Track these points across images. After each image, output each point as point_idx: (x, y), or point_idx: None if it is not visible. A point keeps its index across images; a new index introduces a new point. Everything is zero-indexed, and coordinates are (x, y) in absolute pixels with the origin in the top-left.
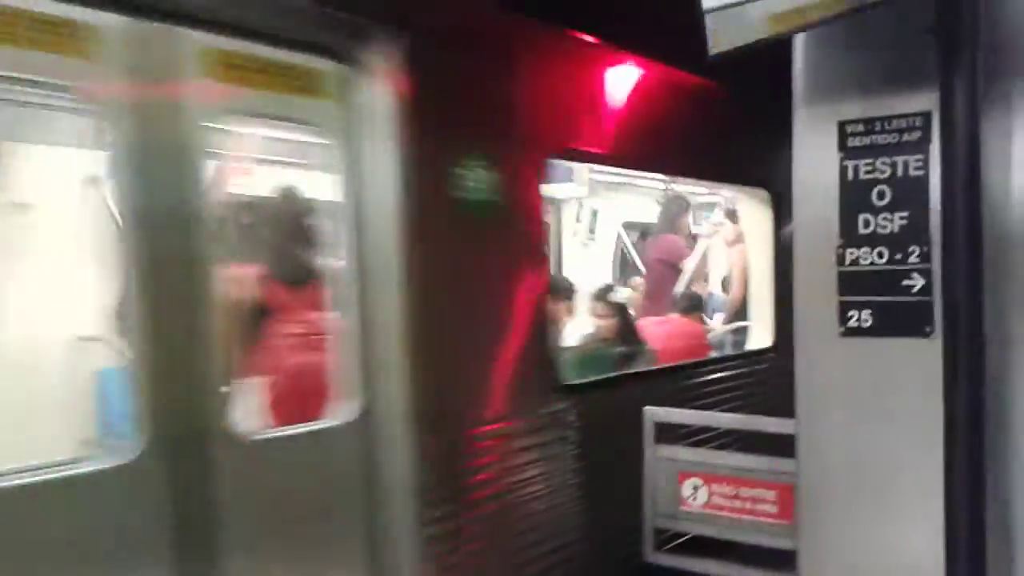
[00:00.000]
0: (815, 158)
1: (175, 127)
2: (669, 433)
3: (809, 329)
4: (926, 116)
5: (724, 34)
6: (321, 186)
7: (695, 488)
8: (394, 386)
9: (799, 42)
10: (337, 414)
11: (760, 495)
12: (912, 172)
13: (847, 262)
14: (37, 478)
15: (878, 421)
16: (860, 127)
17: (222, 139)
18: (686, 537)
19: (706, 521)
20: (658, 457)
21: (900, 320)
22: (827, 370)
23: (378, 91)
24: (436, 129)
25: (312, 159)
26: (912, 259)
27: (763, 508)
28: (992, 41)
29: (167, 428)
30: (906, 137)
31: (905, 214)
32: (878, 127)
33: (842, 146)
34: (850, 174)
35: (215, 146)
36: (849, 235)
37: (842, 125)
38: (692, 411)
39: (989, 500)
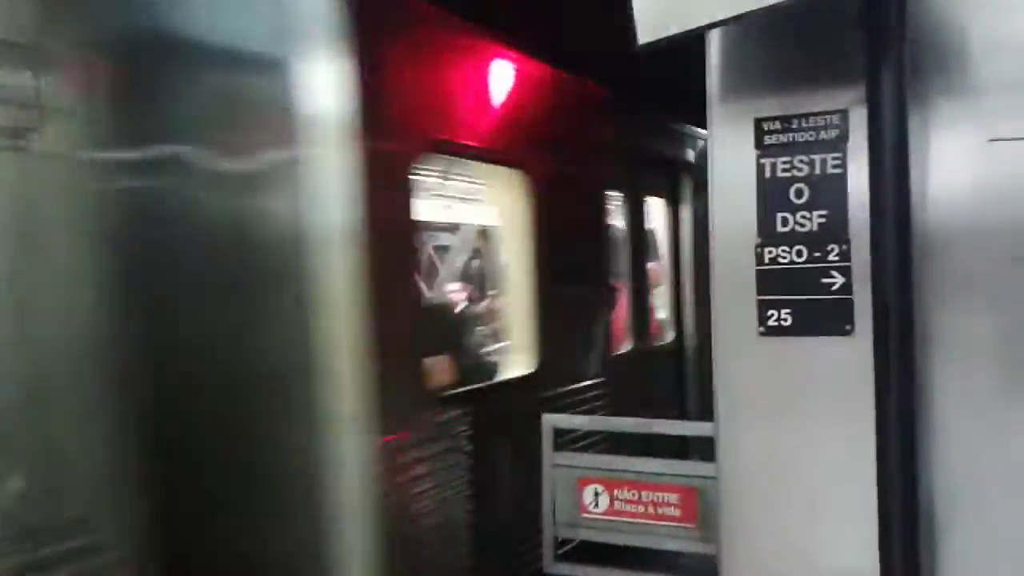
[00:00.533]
0: (731, 156)
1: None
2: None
3: (727, 329)
4: (843, 114)
5: (652, 23)
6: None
7: (596, 494)
8: (687, 326)
9: (714, 38)
10: (667, 337)
11: (663, 499)
12: (830, 170)
13: (766, 261)
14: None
15: (801, 422)
16: (777, 124)
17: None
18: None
19: (608, 528)
20: (556, 464)
21: (820, 319)
22: (747, 371)
23: (686, 180)
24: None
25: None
26: (831, 257)
27: (666, 512)
28: (912, 37)
29: (638, 342)
30: (824, 135)
31: (824, 212)
32: (795, 124)
33: (759, 144)
34: (768, 172)
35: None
36: (767, 233)
37: (759, 122)
38: (594, 416)
39: (928, 509)
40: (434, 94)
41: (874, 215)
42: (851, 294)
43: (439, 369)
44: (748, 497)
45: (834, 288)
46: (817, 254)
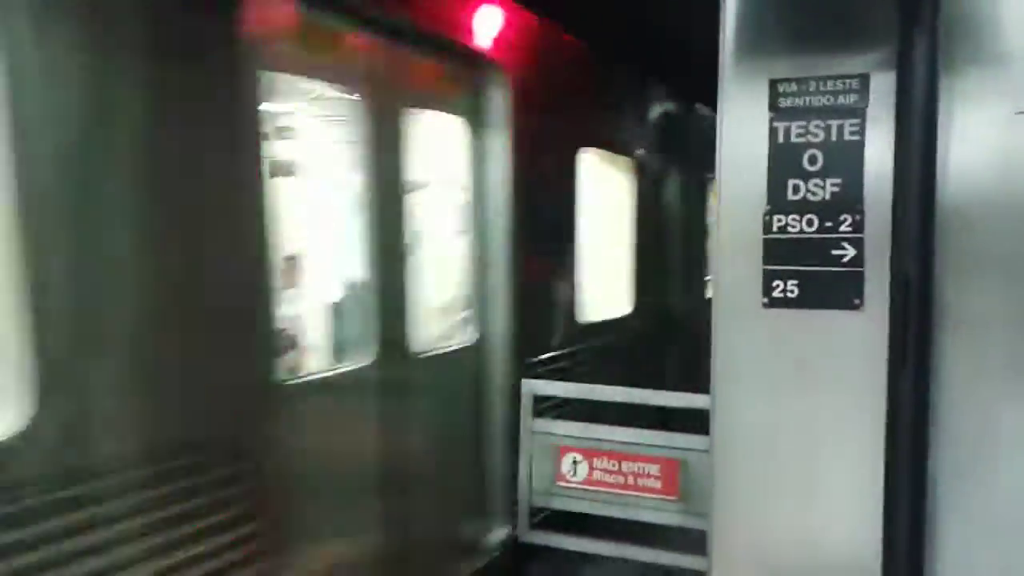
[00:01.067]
0: (742, 118)
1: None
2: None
3: (729, 299)
4: (864, 78)
5: None
6: None
7: (575, 463)
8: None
9: None
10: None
11: (644, 470)
12: (847, 136)
13: (774, 229)
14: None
15: (802, 396)
16: (793, 86)
17: None
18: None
19: (586, 498)
20: (535, 431)
21: (828, 291)
22: (748, 343)
23: None
24: None
25: None
26: (843, 228)
27: (647, 484)
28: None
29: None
30: (842, 99)
31: (838, 180)
32: (813, 87)
33: (773, 106)
34: (780, 136)
35: None
36: (777, 201)
37: (774, 83)
38: (576, 384)
39: (930, 492)
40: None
41: (898, 186)
42: (862, 266)
43: None
44: (744, 472)
45: (845, 260)
46: (829, 224)
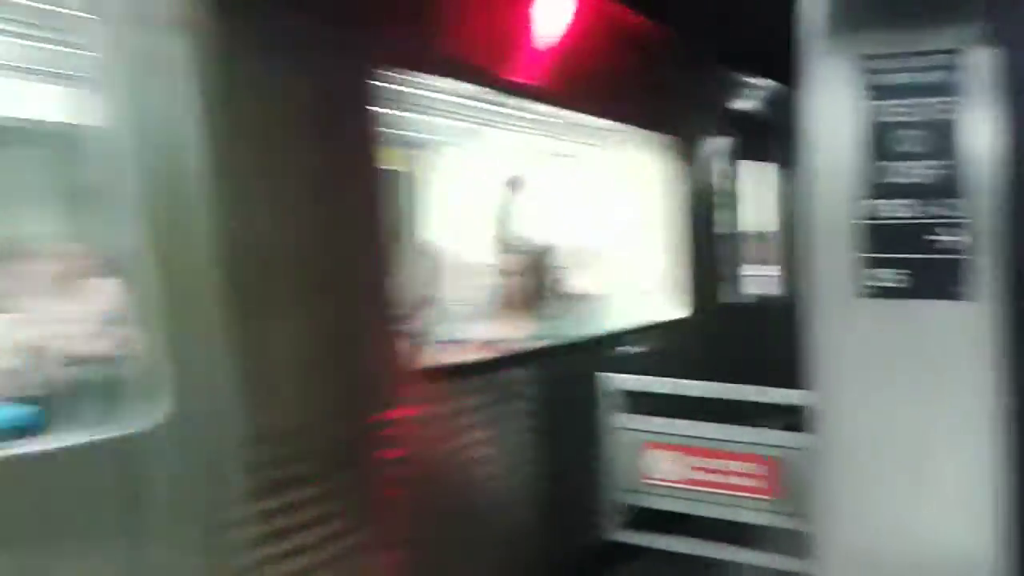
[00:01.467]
0: (831, 98)
1: None
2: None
3: (826, 289)
4: (961, 53)
5: None
6: None
7: (664, 461)
8: None
9: None
10: None
11: (731, 467)
12: (945, 116)
13: (868, 216)
14: None
15: (908, 392)
16: (886, 63)
17: None
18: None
19: (675, 496)
20: (622, 427)
21: (930, 280)
22: (848, 335)
23: None
24: None
25: None
26: (943, 213)
27: (739, 482)
28: None
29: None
30: (939, 76)
31: (935, 163)
32: (907, 64)
33: (865, 84)
34: (873, 116)
35: None
36: (871, 185)
37: (865, 60)
38: (665, 379)
39: None
40: None
41: (1011, 167)
42: (965, 254)
43: None
44: (849, 472)
45: (945, 247)
46: (927, 209)
